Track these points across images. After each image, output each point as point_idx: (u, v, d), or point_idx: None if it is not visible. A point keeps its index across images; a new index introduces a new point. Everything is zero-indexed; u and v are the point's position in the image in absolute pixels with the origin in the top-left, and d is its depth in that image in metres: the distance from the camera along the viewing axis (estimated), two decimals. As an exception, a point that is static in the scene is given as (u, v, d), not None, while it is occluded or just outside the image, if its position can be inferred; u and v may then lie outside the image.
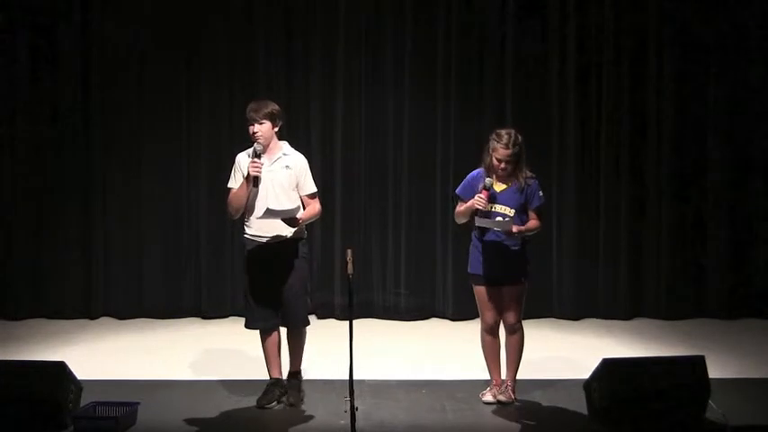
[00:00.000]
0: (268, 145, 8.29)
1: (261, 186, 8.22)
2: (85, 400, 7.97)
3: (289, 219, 8.14)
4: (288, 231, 8.27)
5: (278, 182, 8.28)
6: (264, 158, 8.25)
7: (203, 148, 12.12)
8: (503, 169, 8.29)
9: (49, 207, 12.06)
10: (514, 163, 8.31)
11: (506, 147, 8.24)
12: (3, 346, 10.40)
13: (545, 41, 12.10)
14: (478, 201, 8.25)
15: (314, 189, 8.45)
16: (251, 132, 8.24)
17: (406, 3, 12.06)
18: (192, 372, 9.68)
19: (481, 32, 12.09)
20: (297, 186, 8.37)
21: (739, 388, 8.89)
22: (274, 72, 12.10)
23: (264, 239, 8.33)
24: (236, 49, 12.11)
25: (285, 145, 8.44)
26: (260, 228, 8.29)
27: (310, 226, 8.84)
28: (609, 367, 7.85)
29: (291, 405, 8.39)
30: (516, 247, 8.39)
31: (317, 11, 12.08)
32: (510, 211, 8.29)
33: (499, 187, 8.37)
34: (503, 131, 8.36)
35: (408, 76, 12.12)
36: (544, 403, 8.55)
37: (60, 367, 7.87)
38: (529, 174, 8.44)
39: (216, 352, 10.52)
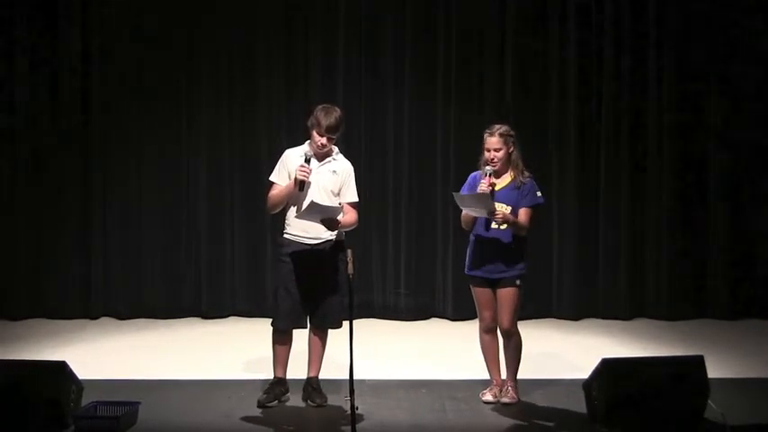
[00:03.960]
0: None
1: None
2: (86, 399, 7.98)
3: (328, 221, 8.16)
4: (328, 234, 8.31)
5: (323, 185, 8.30)
6: (314, 160, 8.29)
7: (202, 149, 12.15)
8: (492, 160, 8.40)
9: (49, 208, 12.07)
10: (506, 155, 8.42)
11: (492, 134, 8.42)
12: (3, 346, 10.41)
13: (545, 42, 12.17)
14: (483, 186, 8.32)
15: (356, 198, 8.47)
16: (318, 141, 8.24)
17: (407, 4, 12.12)
18: (193, 371, 9.68)
19: (480, 34, 12.14)
20: (339, 192, 8.41)
21: (738, 388, 8.91)
22: (275, 72, 12.16)
23: (305, 240, 8.36)
24: (234, 49, 12.16)
25: (335, 149, 8.46)
26: (301, 228, 8.32)
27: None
28: (608, 367, 7.88)
29: (320, 406, 8.41)
30: (514, 246, 8.42)
31: (316, 7, 12.15)
32: (506, 209, 8.33)
33: (498, 185, 8.43)
34: (493, 124, 8.59)
35: (408, 78, 12.15)
36: (544, 403, 8.57)
37: (61, 367, 7.88)
38: (527, 174, 8.51)
39: (216, 352, 10.53)
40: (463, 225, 8.63)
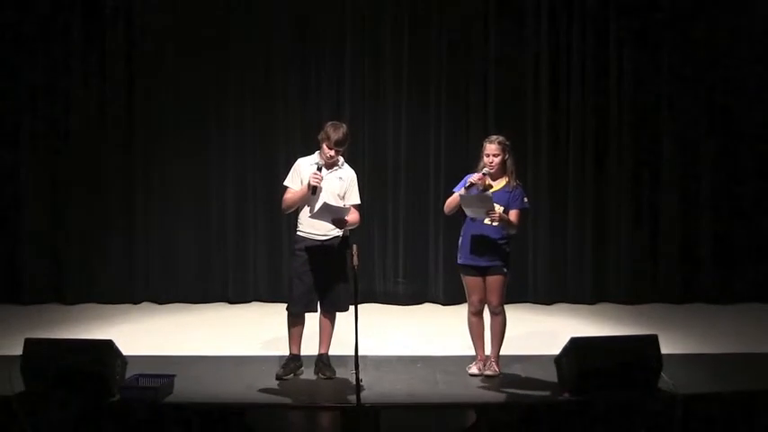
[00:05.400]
0: None
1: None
2: (129, 372, 8.00)
3: (337, 220, 8.23)
4: (336, 231, 8.37)
5: (330, 190, 8.36)
6: (323, 168, 8.36)
7: (230, 156, 12.11)
8: (490, 163, 8.41)
9: (97, 205, 12.04)
10: (502, 162, 8.44)
11: (492, 142, 8.47)
12: (59, 328, 10.41)
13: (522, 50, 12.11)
14: (474, 177, 8.35)
15: (358, 201, 8.55)
16: (328, 152, 8.31)
17: (405, 22, 12.08)
18: (221, 348, 9.69)
19: (467, 48, 12.09)
20: (345, 196, 8.45)
21: (688, 362, 8.91)
22: (290, 79, 12.10)
23: (315, 237, 8.40)
24: (258, 64, 12.10)
25: (341, 159, 8.51)
26: (312, 226, 8.37)
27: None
28: (576, 344, 7.90)
29: (329, 378, 8.43)
30: (502, 241, 8.42)
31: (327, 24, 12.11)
32: (499, 209, 8.34)
33: (493, 187, 8.44)
34: (492, 135, 8.66)
35: (406, 86, 12.07)
36: (522, 375, 8.59)
37: (108, 345, 7.91)
38: (518, 182, 8.54)
39: (240, 332, 10.53)
40: (446, 210, 8.59)
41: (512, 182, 8.49)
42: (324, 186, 8.31)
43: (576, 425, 7.60)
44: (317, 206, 8.20)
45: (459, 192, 8.41)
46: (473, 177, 8.38)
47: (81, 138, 12.06)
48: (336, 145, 8.30)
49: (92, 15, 11.97)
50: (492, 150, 8.46)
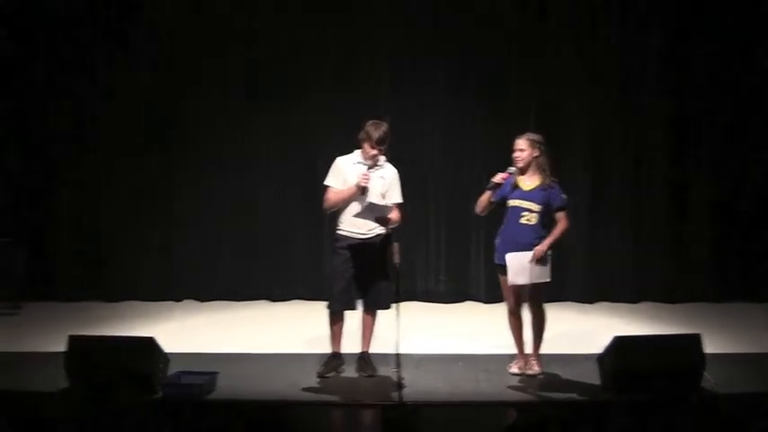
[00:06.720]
0: None
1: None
2: (171, 370, 8.01)
3: (381, 219, 8.23)
4: (377, 230, 8.36)
5: (373, 189, 8.33)
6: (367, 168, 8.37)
7: (270, 148, 12.17)
8: (516, 158, 8.36)
9: (140, 204, 12.16)
10: (533, 159, 8.37)
11: (520, 137, 8.44)
12: (102, 325, 10.45)
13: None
14: (498, 179, 8.32)
15: (400, 200, 8.51)
16: (371, 152, 8.30)
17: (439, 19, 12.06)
18: (262, 346, 9.70)
19: (506, 46, 12.06)
20: (387, 194, 8.43)
21: (731, 362, 8.82)
22: (329, 78, 12.15)
23: (356, 235, 8.38)
24: (297, 59, 12.13)
25: (383, 158, 8.48)
26: (354, 225, 8.36)
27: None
28: (620, 343, 7.85)
29: (371, 376, 8.42)
30: (538, 242, 8.29)
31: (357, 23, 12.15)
32: (536, 207, 8.29)
33: (527, 186, 8.38)
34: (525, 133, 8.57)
35: (445, 83, 12.06)
36: (563, 374, 8.53)
37: (150, 342, 7.93)
38: (553, 179, 8.44)
39: (282, 330, 10.55)
40: (478, 210, 8.53)
41: (546, 180, 8.41)
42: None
43: (618, 424, 7.54)
44: (362, 205, 8.19)
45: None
46: (497, 177, 8.33)
47: (122, 137, 12.18)
48: (378, 143, 8.28)
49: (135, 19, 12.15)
50: (519, 145, 8.41)
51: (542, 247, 8.22)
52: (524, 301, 8.49)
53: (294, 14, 12.11)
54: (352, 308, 8.50)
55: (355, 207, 8.27)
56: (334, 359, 8.52)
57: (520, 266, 8.24)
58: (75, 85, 12.14)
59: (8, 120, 12.12)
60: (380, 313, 8.50)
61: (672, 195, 12.09)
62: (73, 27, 12.10)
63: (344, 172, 8.40)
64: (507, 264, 8.27)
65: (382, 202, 8.29)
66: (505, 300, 8.57)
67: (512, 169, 8.37)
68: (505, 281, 8.43)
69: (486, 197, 8.38)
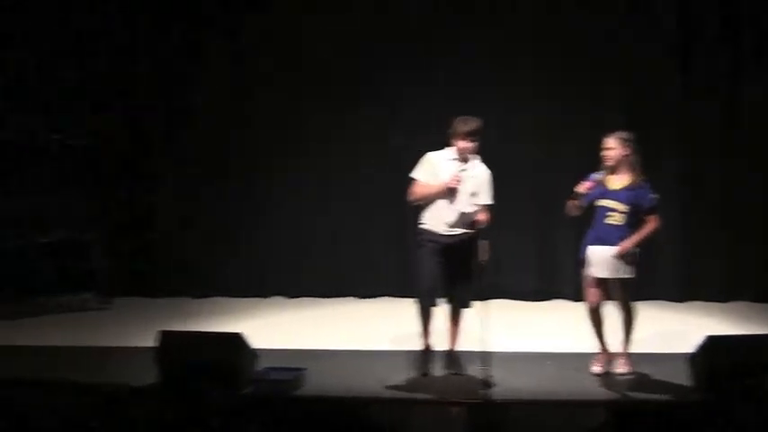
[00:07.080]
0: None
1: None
2: (260, 366, 8.04)
3: (468, 223, 8.26)
4: (462, 229, 8.33)
5: (464, 189, 8.30)
6: (460, 166, 8.33)
7: (356, 144, 12.18)
8: (604, 158, 8.26)
9: (227, 202, 12.29)
10: (622, 158, 8.26)
11: (609, 136, 8.31)
12: (191, 320, 10.58)
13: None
14: (583, 189, 8.23)
15: (490, 201, 8.45)
16: (462, 146, 8.27)
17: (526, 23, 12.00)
18: (349, 343, 9.72)
19: (597, 44, 11.92)
20: (477, 194, 8.38)
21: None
22: (411, 73, 12.10)
23: (441, 232, 8.35)
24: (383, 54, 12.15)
25: (476, 158, 8.43)
26: (438, 221, 8.34)
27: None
28: (713, 342, 7.70)
29: (458, 374, 8.39)
30: (623, 239, 8.21)
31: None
32: (623, 207, 8.18)
33: (615, 185, 8.28)
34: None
35: (533, 85, 11.96)
36: (653, 373, 8.42)
37: (238, 338, 7.96)
38: (642, 178, 8.32)
39: (370, 326, 10.56)
40: (568, 213, 8.43)
41: (636, 179, 8.28)
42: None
43: (709, 426, 7.42)
44: (449, 207, 8.21)
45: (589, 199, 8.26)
46: (581, 187, 8.23)
47: (210, 135, 12.32)
48: (470, 135, 8.22)
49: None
50: (607, 144, 8.29)
51: (628, 243, 8.12)
52: (608, 298, 8.37)
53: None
54: (437, 304, 8.46)
55: (442, 208, 8.25)
56: (423, 355, 8.49)
57: (602, 259, 8.18)
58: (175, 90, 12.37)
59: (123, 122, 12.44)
60: (468, 311, 8.45)
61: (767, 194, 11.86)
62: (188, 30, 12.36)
63: (437, 167, 8.35)
64: (589, 255, 8.20)
65: (472, 209, 8.25)
66: (585, 296, 8.46)
67: (595, 176, 8.26)
68: (587, 275, 8.34)
69: (573, 203, 8.30)
